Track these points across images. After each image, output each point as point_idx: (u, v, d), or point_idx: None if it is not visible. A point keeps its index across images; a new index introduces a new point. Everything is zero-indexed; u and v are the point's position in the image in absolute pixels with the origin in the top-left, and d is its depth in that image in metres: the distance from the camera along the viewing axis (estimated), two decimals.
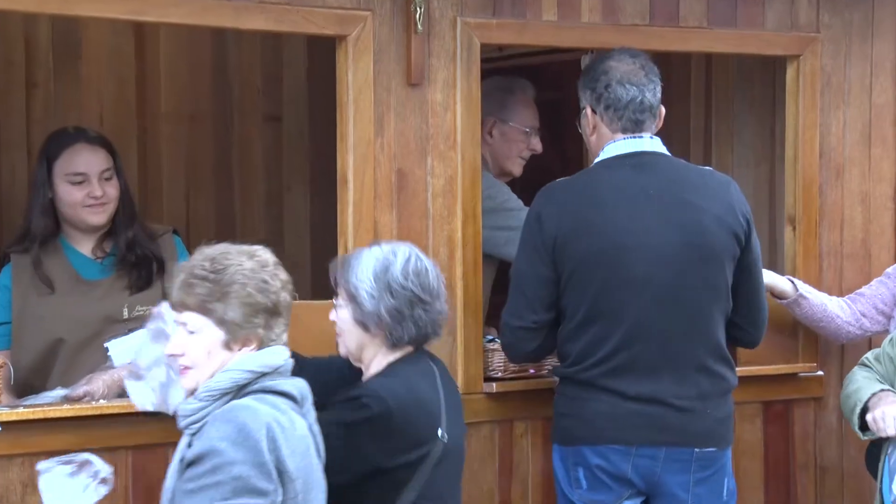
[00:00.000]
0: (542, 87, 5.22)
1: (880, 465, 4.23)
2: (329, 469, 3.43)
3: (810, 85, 5.00)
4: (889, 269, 4.94)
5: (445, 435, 3.66)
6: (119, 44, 5.83)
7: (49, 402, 3.96)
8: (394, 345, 3.72)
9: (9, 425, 3.75)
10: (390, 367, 3.72)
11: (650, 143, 4.20)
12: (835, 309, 4.86)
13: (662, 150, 4.22)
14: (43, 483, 3.36)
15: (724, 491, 4.20)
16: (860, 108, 5.10)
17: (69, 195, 4.29)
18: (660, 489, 4.12)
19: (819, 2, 5.03)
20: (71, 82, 5.75)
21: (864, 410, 4.20)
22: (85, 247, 4.37)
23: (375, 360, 3.75)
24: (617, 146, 4.18)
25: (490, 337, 4.56)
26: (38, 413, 3.81)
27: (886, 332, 4.84)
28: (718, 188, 4.18)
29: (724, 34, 4.86)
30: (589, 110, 4.22)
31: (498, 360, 4.49)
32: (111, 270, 4.36)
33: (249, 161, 6.15)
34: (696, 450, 4.11)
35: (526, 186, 5.12)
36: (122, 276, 4.34)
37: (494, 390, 4.47)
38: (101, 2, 3.90)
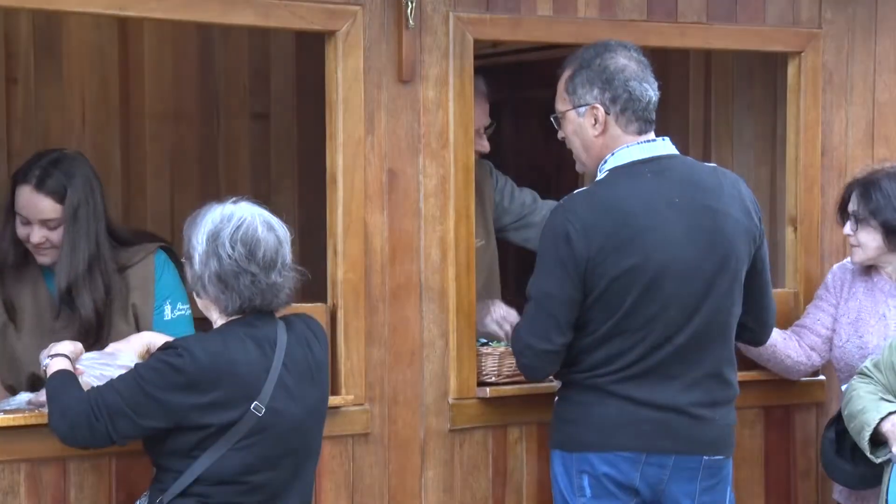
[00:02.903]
0: (536, 85, 5.16)
1: (885, 478, 4.18)
2: (135, 412, 3.48)
3: (812, 82, 4.95)
4: (819, 290, 4.79)
5: (262, 408, 3.55)
6: (102, 40, 5.79)
7: (14, 408, 3.83)
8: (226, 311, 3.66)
9: None
10: (222, 326, 3.65)
11: (663, 145, 4.09)
12: (785, 349, 4.71)
13: (674, 150, 4.13)
14: None
15: (727, 501, 4.16)
16: (863, 107, 5.07)
17: (20, 230, 4.14)
18: (666, 498, 4.06)
19: None
20: (52, 79, 5.71)
21: (875, 433, 4.15)
22: None
23: (218, 322, 3.69)
24: (631, 151, 4.03)
25: (483, 340, 4.49)
26: (4, 420, 3.72)
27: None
28: (732, 188, 4.10)
29: (723, 30, 4.82)
30: (601, 111, 4.04)
31: (492, 364, 4.44)
32: None
33: (236, 160, 6.11)
34: (706, 458, 4.06)
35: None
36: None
37: (488, 395, 4.41)
38: None
